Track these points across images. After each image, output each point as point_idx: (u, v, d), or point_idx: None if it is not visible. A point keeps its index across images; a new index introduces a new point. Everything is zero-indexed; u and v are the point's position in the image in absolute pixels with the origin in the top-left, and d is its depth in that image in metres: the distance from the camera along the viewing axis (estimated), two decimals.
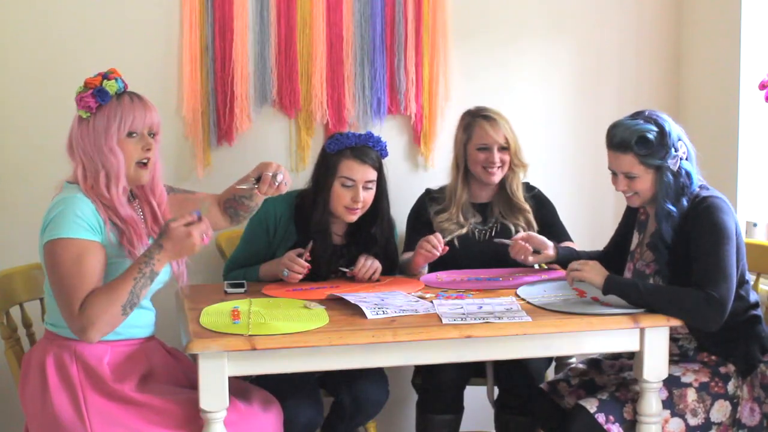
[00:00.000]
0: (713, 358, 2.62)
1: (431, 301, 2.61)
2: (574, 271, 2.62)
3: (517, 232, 3.06)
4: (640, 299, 2.49)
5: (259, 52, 3.34)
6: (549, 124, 3.64)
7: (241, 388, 2.53)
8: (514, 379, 2.99)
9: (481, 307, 2.54)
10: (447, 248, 2.93)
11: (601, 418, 2.52)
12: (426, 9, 3.42)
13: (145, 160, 2.41)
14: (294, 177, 3.36)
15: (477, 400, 3.22)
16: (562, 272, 2.94)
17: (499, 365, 3.03)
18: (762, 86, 2.98)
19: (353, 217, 2.93)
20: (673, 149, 2.56)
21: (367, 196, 2.92)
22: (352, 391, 2.87)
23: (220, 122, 3.32)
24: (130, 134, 2.38)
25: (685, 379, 2.57)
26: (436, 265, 3.01)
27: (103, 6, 3.23)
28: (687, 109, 3.64)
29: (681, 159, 2.57)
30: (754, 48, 3.31)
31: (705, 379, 2.58)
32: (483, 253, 3.10)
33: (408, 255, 3.06)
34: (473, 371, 3.06)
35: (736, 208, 3.30)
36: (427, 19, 3.43)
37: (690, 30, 3.64)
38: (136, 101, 2.40)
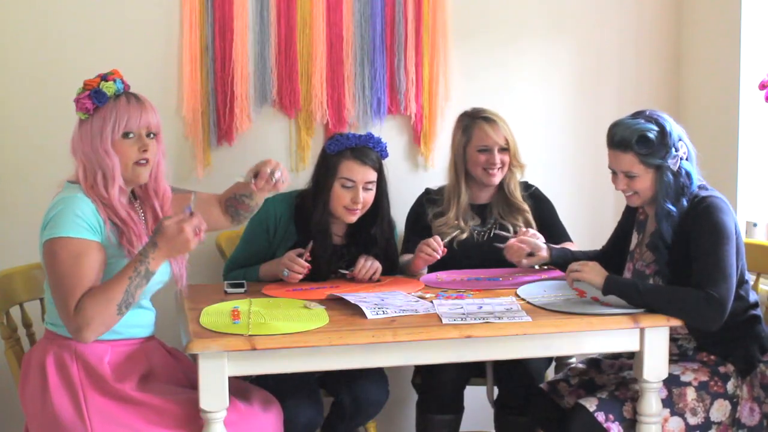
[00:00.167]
0: (712, 357, 2.62)
1: (431, 301, 2.61)
2: (574, 272, 2.62)
3: (515, 232, 3.06)
4: (640, 299, 2.49)
5: (259, 52, 3.34)
6: (549, 124, 3.64)
7: (241, 388, 2.53)
8: (514, 379, 2.99)
9: (481, 307, 2.54)
10: (446, 250, 2.93)
11: (600, 416, 2.52)
12: (426, 9, 3.42)
13: (142, 161, 2.41)
14: (294, 177, 3.37)
15: (477, 400, 3.22)
16: (561, 272, 2.94)
17: (499, 365, 3.03)
18: (762, 86, 2.98)
19: (353, 218, 2.93)
20: (673, 149, 2.56)
21: (367, 197, 2.92)
22: (352, 391, 2.87)
23: (220, 122, 3.32)
24: (125, 135, 2.38)
25: (684, 378, 2.57)
26: (435, 267, 3.01)
27: (103, 6, 3.23)
28: (687, 109, 3.64)
29: (681, 159, 2.57)
30: (754, 48, 3.31)
31: (704, 378, 2.58)
32: (482, 255, 3.10)
33: (407, 257, 3.06)
34: (473, 371, 3.06)
35: (736, 208, 3.30)
36: (427, 19, 3.43)
37: (690, 30, 3.64)
38: (132, 102, 2.39)
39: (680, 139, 2.58)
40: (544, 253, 2.91)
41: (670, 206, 2.56)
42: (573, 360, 3.07)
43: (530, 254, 2.92)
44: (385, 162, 2.98)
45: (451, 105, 3.46)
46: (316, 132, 3.41)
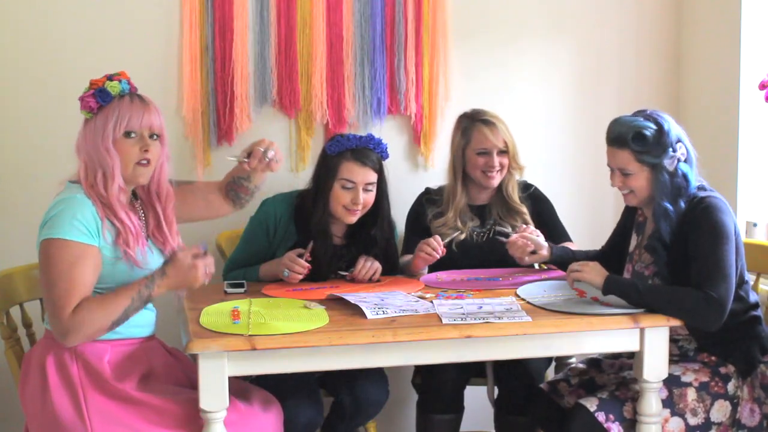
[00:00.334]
0: (713, 358, 2.62)
1: (431, 301, 2.61)
2: (574, 272, 2.62)
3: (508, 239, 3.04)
4: (640, 299, 2.49)
5: (259, 52, 3.34)
6: (549, 124, 3.64)
7: (241, 388, 2.53)
8: (514, 379, 2.99)
9: (481, 307, 2.54)
10: (445, 250, 2.93)
11: (601, 416, 2.52)
12: (426, 9, 3.42)
13: (144, 161, 2.41)
14: (294, 177, 3.38)
15: (477, 400, 3.22)
16: (561, 272, 2.94)
17: (499, 365, 3.03)
18: (762, 86, 2.98)
19: (353, 219, 2.93)
20: (670, 149, 2.55)
21: (367, 198, 2.92)
22: (352, 391, 2.87)
23: (220, 122, 3.32)
24: (127, 134, 2.38)
25: (685, 379, 2.57)
26: (435, 267, 3.01)
27: (103, 6, 3.23)
28: (687, 109, 3.64)
29: (679, 160, 2.57)
30: (754, 48, 3.31)
31: (705, 378, 2.58)
32: (481, 255, 3.10)
33: (407, 257, 3.06)
34: (473, 371, 3.06)
35: (736, 208, 3.30)
36: (427, 19, 3.43)
37: (690, 30, 3.64)
38: (136, 102, 2.40)
39: (679, 141, 2.58)
40: (545, 251, 2.91)
41: (667, 204, 2.56)
42: (573, 360, 3.07)
43: (532, 252, 2.92)
44: (385, 162, 2.98)
45: (451, 105, 3.46)
46: (316, 132, 3.41)
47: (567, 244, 3.08)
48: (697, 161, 2.63)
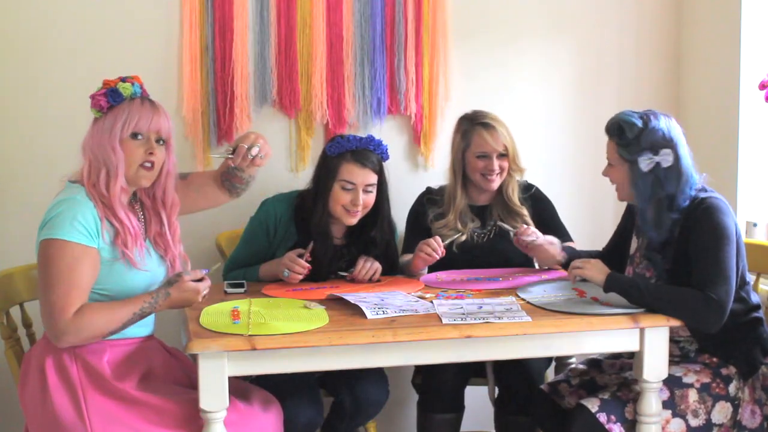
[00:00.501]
0: (714, 359, 2.61)
1: (431, 301, 2.61)
2: (576, 269, 2.62)
3: (515, 235, 3.04)
4: (641, 298, 2.49)
5: (259, 52, 3.34)
6: (549, 124, 3.64)
7: (241, 388, 2.53)
8: (514, 379, 2.99)
9: (481, 307, 2.54)
10: (445, 251, 2.93)
11: (602, 417, 2.52)
12: (426, 9, 3.42)
13: (147, 164, 2.41)
14: (294, 177, 3.38)
15: (477, 400, 3.22)
16: (562, 272, 2.94)
17: (499, 365, 3.03)
18: (762, 86, 2.98)
19: (353, 220, 2.93)
20: (650, 151, 2.53)
21: (367, 199, 2.92)
22: (352, 391, 2.87)
23: (220, 122, 3.32)
24: (134, 135, 2.39)
25: (686, 380, 2.57)
26: (435, 267, 3.01)
27: (102, 6, 3.23)
28: (687, 109, 3.63)
29: (659, 165, 2.54)
30: (754, 48, 3.31)
31: (706, 380, 2.57)
32: (482, 256, 3.10)
33: (407, 257, 3.06)
34: (473, 371, 3.06)
35: (736, 208, 3.30)
36: (427, 19, 3.43)
37: (690, 30, 3.64)
38: (146, 105, 2.42)
39: (668, 147, 2.54)
40: (559, 257, 2.91)
41: (645, 206, 2.56)
42: (573, 360, 3.07)
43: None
44: (385, 162, 2.98)
45: (451, 105, 3.46)
46: (316, 132, 3.41)
47: (568, 244, 3.08)
48: (695, 170, 2.59)
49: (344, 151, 2.91)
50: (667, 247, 2.58)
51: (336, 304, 2.60)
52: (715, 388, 2.57)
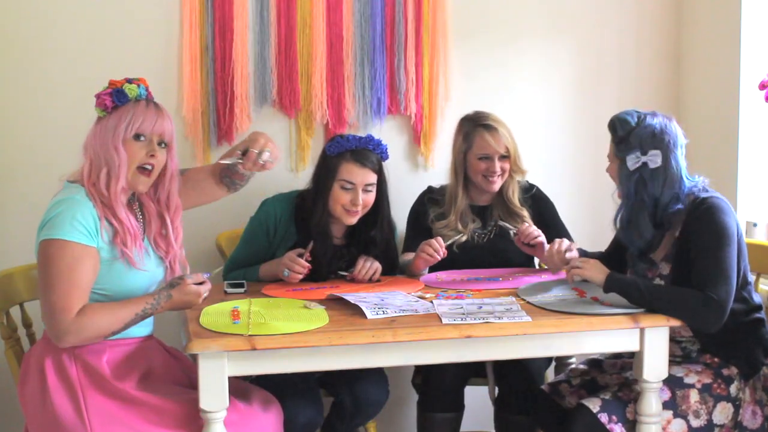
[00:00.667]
0: (716, 360, 2.61)
1: (431, 301, 2.61)
2: (575, 269, 2.62)
3: (515, 234, 3.04)
4: (641, 298, 2.49)
5: (259, 52, 3.34)
6: (549, 124, 3.64)
7: (241, 388, 2.53)
8: (514, 379, 2.99)
9: (481, 307, 2.54)
10: (446, 252, 2.93)
11: (603, 417, 2.52)
12: (426, 9, 3.42)
13: (147, 166, 2.41)
14: (294, 177, 3.38)
15: (477, 400, 3.22)
16: (561, 273, 2.93)
17: (500, 365, 3.03)
18: (762, 86, 2.97)
19: (353, 220, 2.93)
20: (638, 151, 2.53)
21: (367, 199, 2.92)
22: (352, 391, 2.87)
23: (220, 122, 3.32)
24: (137, 137, 2.39)
25: (688, 380, 2.57)
26: (436, 268, 3.01)
27: (103, 6, 3.23)
28: (687, 109, 3.63)
29: (646, 165, 2.53)
30: (754, 48, 3.31)
31: (708, 380, 2.57)
32: (482, 256, 3.10)
33: (408, 256, 3.06)
34: (473, 371, 3.06)
35: (736, 208, 3.29)
36: (427, 19, 3.43)
37: (690, 30, 3.64)
38: (151, 107, 2.42)
39: (659, 149, 2.53)
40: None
41: (623, 205, 2.57)
42: (573, 360, 3.07)
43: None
44: (385, 162, 2.98)
45: (451, 105, 3.46)
46: (316, 132, 3.41)
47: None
48: (687, 177, 2.58)
49: (344, 151, 2.91)
50: (650, 255, 2.58)
51: (336, 304, 2.60)
52: (717, 388, 2.56)
